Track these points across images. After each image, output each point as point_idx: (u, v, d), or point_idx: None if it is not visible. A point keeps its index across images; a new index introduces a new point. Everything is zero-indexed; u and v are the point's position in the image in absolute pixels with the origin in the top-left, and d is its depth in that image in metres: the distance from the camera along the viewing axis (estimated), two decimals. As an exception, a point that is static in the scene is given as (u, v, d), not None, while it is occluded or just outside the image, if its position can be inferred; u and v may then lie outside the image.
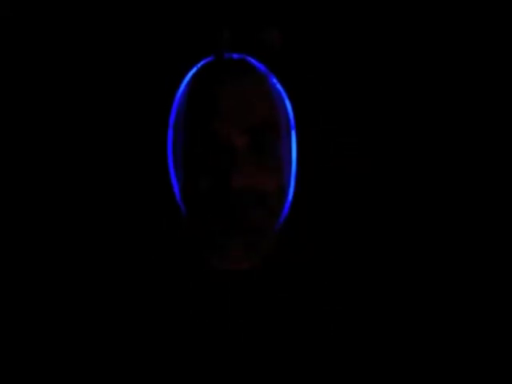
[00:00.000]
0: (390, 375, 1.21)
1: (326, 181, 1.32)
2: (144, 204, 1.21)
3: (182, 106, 1.12)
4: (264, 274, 1.16)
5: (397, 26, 1.36)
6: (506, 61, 1.39)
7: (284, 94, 1.14)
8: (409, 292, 1.31)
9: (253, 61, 1.12)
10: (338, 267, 1.23)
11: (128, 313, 1.16)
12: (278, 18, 1.20)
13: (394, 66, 1.38)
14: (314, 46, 1.26)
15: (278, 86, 1.14)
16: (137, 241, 1.20)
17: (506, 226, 1.37)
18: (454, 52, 1.39)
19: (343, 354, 1.18)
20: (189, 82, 1.13)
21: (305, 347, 1.16)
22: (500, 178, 1.38)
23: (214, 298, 1.15)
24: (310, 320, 1.17)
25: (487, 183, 1.39)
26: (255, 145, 1.09)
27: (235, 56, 1.12)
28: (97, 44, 1.17)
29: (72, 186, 1.22)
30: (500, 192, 1.38)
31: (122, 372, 1.14)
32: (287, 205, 1.15)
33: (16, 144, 1.23)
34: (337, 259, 1.25)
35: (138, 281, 1.17)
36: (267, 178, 1.11)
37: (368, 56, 1.36)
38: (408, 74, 1.39)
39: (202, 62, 1.12)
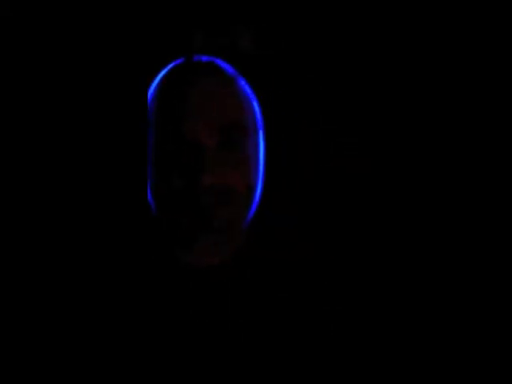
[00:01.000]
0: (375, 374, 1.22)
1: (295, 178, 1.33)
2: (115, 204, 1.25)
3: (153, 106, 1.16)
4: (233, 270, 1.19)
5: (382, 24, 1.36)
6: (505, 61, 1.37)
7: (252, 95, 1.17)
8: (401, 292, 1.32)
9: (221, 63, 1.15)
10: (309, 263, 1.25)
11: (101, 309, 1.20)
12: (248, 20, 1.23)
13: (378, 65, 1.38)
14: (284, 47, 1.27)
15: (247, 88, 1.16)
16: (108, 239, 1.24)
17: (506, 227, 1.35)
18: (448, 51, 1.38)
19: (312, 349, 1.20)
20: (159, 84, 1.17)
21: (277, 342, 1.19)
22: (500, 178, 1.36)
23: (185, 294, 1.18)
24: (281, 315, 1.19)
25: (487, 183, 1.37)
26: (224, 144, 1.12)
27: (204, 58, 1.16)
28: (69, 45, 1.21)
29: (44, 184, 1.25)
30: (500, 192, 1.36)
31: (94, 370, 1.18)
32: (256, 203, 1.18)
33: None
34: (305, 255, 1.26)
35: (109, 278, 1.21)
36: (236, 176, 1.14)
37: (351, 55, 1.37)
38: (392, 74, 1.39)
39: (171, 64, 1.16)
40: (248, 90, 1.16)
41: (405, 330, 1.29)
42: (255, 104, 1.17)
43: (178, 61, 1.16)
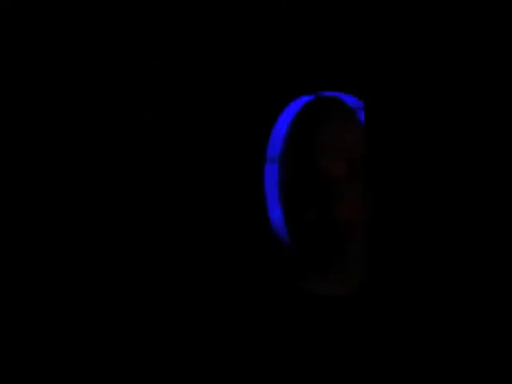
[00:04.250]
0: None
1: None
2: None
3: (284, 142, 1.25)
4: (361, 301, 1.25)
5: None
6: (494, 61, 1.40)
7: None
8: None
9: (344, 97, 1.26)
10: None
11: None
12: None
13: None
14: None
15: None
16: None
17: (506, 227, 1.39)
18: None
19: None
20: (290, 121, 1.25)
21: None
22: (499, 178, 1.40)
23: (311, 322, 1.23)
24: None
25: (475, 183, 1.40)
26: (353, 178, 1.19)
27: (329, 94, 1.26)
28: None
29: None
30: (500, 193, 1.40)
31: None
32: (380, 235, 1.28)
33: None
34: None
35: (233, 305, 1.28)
36: (364, 208, 1.21)
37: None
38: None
39: (300, 101, 1.26)
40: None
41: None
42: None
43: (306, 98, 1.26)
